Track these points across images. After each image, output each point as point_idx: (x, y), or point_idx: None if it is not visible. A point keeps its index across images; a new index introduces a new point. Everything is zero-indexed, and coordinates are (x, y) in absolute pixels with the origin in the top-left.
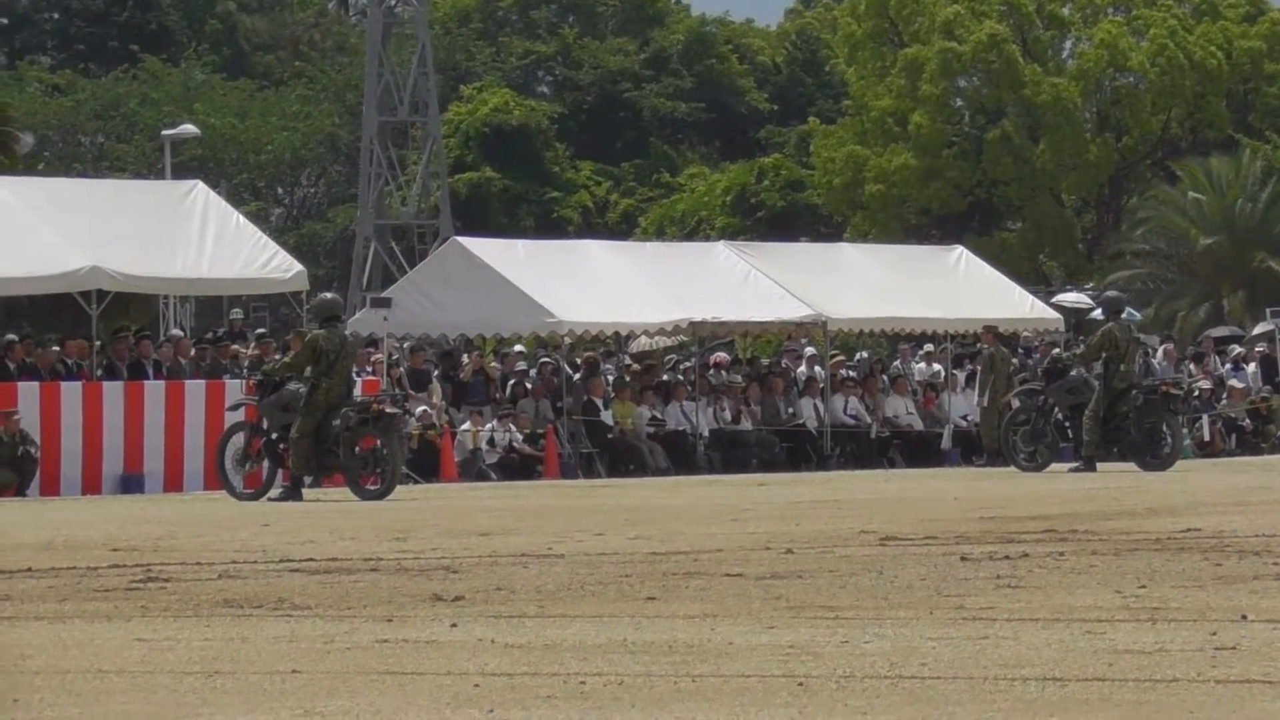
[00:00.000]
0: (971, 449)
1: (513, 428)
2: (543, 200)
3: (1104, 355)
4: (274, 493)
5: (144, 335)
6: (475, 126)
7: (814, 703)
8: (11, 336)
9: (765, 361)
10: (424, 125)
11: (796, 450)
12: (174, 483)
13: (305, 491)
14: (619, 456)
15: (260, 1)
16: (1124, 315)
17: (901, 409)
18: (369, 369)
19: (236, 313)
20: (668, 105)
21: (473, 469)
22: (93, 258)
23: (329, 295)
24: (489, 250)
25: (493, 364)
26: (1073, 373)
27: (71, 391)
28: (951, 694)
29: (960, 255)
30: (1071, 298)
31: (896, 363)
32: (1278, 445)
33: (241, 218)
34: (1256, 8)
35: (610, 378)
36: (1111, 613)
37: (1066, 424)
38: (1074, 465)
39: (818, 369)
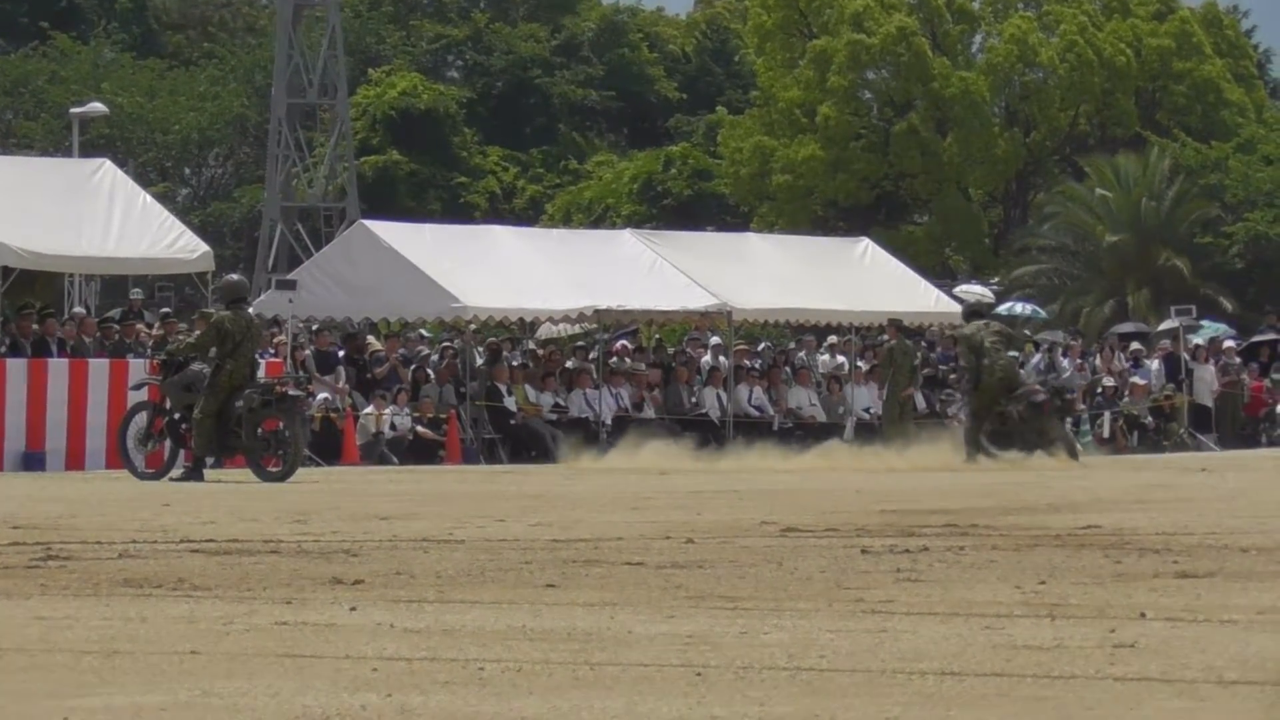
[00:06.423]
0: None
1: (413, 412)
2: (450, 185)
3: (968, 361)
4: (175, 473)
5: (49, 313)
6: (383, 110)
7: (712, 693)
8: None
9: (670, 350)
10: (332, 108)
11: (699, 440)
12: (76, 461)
13: (207, 472)
14: (521, 442)
15: None
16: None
17: (805, 400)
18: (272, 351)
19: (136, 292)
20: (578, 92)
21: (375, 452)
22: None
23: (235, 277)
24: (395, 234)
25: (399, 351)
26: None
27: None
28: (849, 686)
29: (866, 248)
30: (977, 289)
31: (801, 354)
32: (1180, 442)
33: (148, 197)
34: (1166, 6)
35: (514, 364)
36: (1010, 608)
37: None
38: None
39: (722, 359)
